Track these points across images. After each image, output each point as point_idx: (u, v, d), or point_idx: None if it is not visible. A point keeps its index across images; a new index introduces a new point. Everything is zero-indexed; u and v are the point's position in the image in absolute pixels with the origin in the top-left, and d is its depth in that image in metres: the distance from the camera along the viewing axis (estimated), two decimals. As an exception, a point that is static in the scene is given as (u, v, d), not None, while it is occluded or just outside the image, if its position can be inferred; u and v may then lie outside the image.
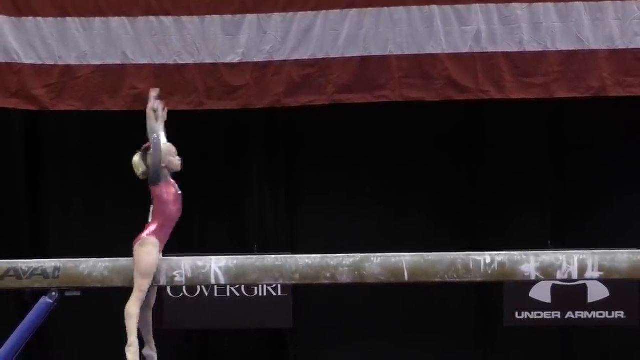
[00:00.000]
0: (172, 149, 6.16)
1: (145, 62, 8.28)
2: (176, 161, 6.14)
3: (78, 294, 6.22)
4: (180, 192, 6.18)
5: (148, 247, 6.00)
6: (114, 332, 9.32)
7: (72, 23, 8.29)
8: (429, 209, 9.32)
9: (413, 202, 9.35)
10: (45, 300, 6.10)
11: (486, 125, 9.33)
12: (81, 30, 8.29)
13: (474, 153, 9.34)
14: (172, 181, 6.15)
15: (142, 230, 6.11)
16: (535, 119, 9.21)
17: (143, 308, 6.09)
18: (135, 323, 5.93)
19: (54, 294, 6.10)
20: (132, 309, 5.93)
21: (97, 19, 8.29)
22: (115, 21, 8.27)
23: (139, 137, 9.44)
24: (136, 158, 6.11)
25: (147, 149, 6.11)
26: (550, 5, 8.06)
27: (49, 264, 6.08)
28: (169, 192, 6.06)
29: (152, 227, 6.06)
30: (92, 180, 9.55)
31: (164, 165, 6.08)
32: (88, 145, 9.60)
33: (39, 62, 8.27)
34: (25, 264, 6.09)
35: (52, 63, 8.27)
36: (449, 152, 9.35)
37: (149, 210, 6.15)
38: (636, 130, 9.20)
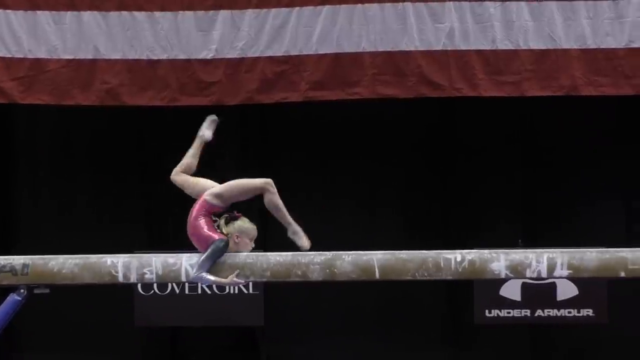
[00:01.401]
0: (253, 233, 6.08)
1: (118, 57, 8.24)
2: (249, 246, 6.05)
3: (47, 290, 6.17)
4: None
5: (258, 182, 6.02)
6: (84, 330, 9.35)
7: (43, 16, 8.24)
8: (401, 209, 9.35)
9: (386, 202, 9.38)
10: (13, 297, 6.05)
11: (459, 127, 9.36)
12: (52, 24, 8.24)
13: (447, 154, 9.38)
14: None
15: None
16: (507, 120, 9.26)
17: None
18: (285, 211, 5.94)
19: (22, 291, 6.05)
20: (277, 200, 5.96)
21: (69, 12, 8.24)
22: (87, 15, 8.23)
23: (111, 132, 9.47)
24: (222, 221, 6.03)
25: (236, 217, 6.05)
26: (523, 4, 8.09)
27: (17, 260, 6.03)
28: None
29: (202, 218, 5.96)
30: (63, 176, 9.51)
31: (236, 240, 6.01)
32: (59, 141, 9.56)
33: (8, 55, 8.22)
34: (-6, 260, 6.05)
35: (21, 56, 8.22)
36: (422, 153, 9.38)
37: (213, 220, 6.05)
38: (606, 132, 9.27)
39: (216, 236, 5.94)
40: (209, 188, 6.10)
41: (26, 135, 9.60)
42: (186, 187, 6.21)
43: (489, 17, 8.10)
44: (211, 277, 5.91)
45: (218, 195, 6.03)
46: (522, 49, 8.08)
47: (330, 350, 9.26)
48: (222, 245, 5.93)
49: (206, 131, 6.39)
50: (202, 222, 5.98)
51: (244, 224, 6.06)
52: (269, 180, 6.10)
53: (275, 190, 6.08)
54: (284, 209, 6.08)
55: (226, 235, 6.00)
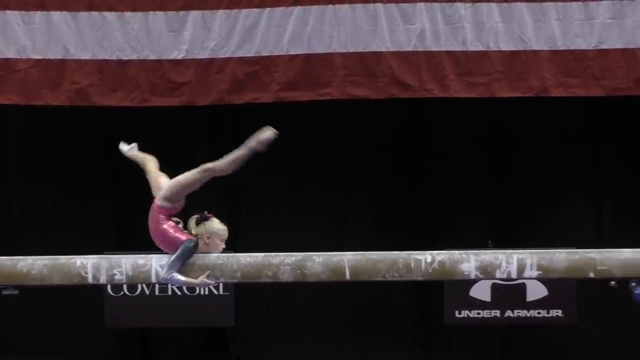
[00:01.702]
0: (224, 234, 6.02)
1: (88, 58, 8.21)
2: (220, 247, 5.99)
3: (16, 292, 6.13)
4: None
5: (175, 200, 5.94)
6: (53, 332, 9.30)
7: (12, 16, 8.19)
8: (372, 210, 9.36)
9: (357, 203, 9.39)
10: (-18, 298, 6.01)
11: (430, 129, 9.39)
12: (21, 23, 8.19)
13: (418, 156, 9.40)
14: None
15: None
16: (478, 122, 9.29)
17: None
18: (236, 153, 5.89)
19: (-9, 292, 6.02)
20: (223, 163, 5.92)
21: (38, 12, 8.20)
22: (56, 15, 8.19)
23: (81, 133, 9.42)
24: (192, 221, 5.99)
25: (206, 218, 6.00)
26: (493, 5, 8.12)
27: (-15, 262, 5.99)
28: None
29: (164, 222, 5.91)
30: (32, 177, 9.45)
31: (207, 241, 5.96)
32: (28, 141, 9.49)
33: (-24, 55, 8.17)
34: (-39, 262, 5.99)
35: (-10, 56, 8.18)
36: (393, 154, 9.40)
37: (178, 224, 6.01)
38: (576, 134, 9.32)
39: (184, 237, 5.92)
40: (162, 189, 6.04)
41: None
42: (151, 186, 6.18)
43: (460, 18, 8.13)
44: (181, 278, 5.88)
45: (166, 198, 5.97)
46: (492, 50, 8.12)
47: (301, 350, 9.26)
48: (192, 245, 5.90)
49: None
50: (166, 226, 5.94)
51: (214, 224, 6.03)
52: (203, 166, 6.01)
53: (214, 164, 5.96)
54: (234, 154, 5.96)
55: (196, 236, 5.97)
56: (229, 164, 5.96)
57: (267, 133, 6.03)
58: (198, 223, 6.00)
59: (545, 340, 9.22)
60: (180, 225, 5.99)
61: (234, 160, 5.95)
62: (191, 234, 5.96)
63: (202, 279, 5.92)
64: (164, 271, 5.86)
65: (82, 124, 9.29)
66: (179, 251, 5.86)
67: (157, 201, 5.97)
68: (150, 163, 6.18)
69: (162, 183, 6.08)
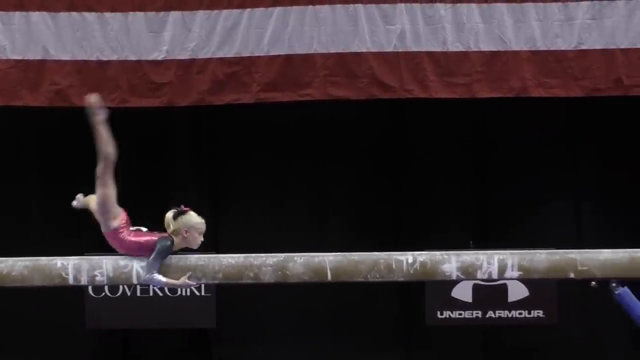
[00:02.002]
0: (202, 227, 5.95)
1: (67, 58, 8.18)
2: (198, 240, 5.93)
3: (-6, 294, 6.11)
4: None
5: (118, 214, 5.85)
6: (33, 333, 9.26)
7: (-9, 17, 8.15)
8: (353, 211, 9.37)
9: (337, 204, 9.40)
10: (-38, 300, 5.98)
11: (410, 129, 9.41)
12: (0, 24, 8.14)
13: (398, 156, 9.41)
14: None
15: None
16: (458, 123, 9.31)
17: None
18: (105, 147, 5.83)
19: (-29, 294, 5.98)
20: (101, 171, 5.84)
21: (17, 13, 8.16)
22: (36, 16, 8.16)
23: (60, 135, 9.38)
24: (169, 216, 5.91)
25: (183, 212, 5.94)
26: (473, 6, 8.15)
27: (-35, 263, 5.95)
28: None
29: (123, 232, 5.85)
30: (12, 178, 9.40)
31: (185, 235, 5.92)
32: (8, 142, 9.45)
33: (-45, 55, 8.13)
34: (-59, 263, 5.96)
35: (-32, 56, 8.13)
36: (373, 155, 9.41)
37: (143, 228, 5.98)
38: (556, 134, 9.36)
39: (156, 237, 5.90)
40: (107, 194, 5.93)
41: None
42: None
43: (440, 19, 8.15)
44: (163, 279, 5.86)
45: (106, 221, 5.88)
46: (472, 50, 8.14)
47: (282, 351, 9.26)
48: (168, 243, 5.87)
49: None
50: (132, 237, 5.89)
51: (192, 218, 5.96)
52: (97, 174, 5.91)
53: (100, 164, 5.90)
54: (99, 136, 5.95)
55: (174, 231, 5.93)
56: (106, 147, 5.90)
57: (92, 98, 5.99)
58: (175, 217, 5.97)
59: (526, 340, 9.26)
60: (145, 229, 5.94)
61: (103, 140, 5.90)
62: (169, 229, 5.92)
63: (183, 279, 5.90)
64: (144, 272, 5.84)
65: (62, 125, 9.25)
66: (155, 250, 5.83)
67: (104, 230, 5.91)
68: (92, 203, 6.11)
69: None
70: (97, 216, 5.95)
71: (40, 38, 8.15)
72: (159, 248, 5.83)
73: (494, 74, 8.14)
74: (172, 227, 5.94)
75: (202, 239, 5.98)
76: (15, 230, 9.25)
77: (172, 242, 5.88)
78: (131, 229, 5.94)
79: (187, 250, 8.29)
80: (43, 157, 9.47)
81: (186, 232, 5.93)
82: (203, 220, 6.00)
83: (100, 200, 5.90)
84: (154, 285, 5.85)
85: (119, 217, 5.91)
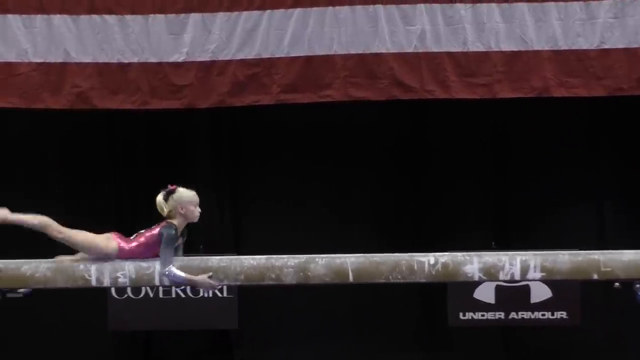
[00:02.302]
0: (195, 198, 5.97)
1: (88, 61, 8.20)
2: (196, 212, 5.95)
3: (20, 294, 6.13)
4: (182, 242, 6.00)
5: (107, 244, 5.89)
6: (56, 334, 9.29)
7: (13, 20, 8.19)
8: (373, 213, 9.35)
9: (358, 206, 9.38)
10: (-14, 302, 6.02)
11: (430, 130, 9.38)
12: (22, 27, 8.19)
13: (419, 158, 9.39)
14: (182, 235, 5.98)
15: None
16: (479, 124, 9.28)
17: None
18: (29, 223, 5.86)
19: (-5, 295, 6.02)
20: (46, 223, 5.85)
21: (39, 16, 8.20)
22: (57, 19, 8.19)
23: (82, 136, 9.41)
24: (160, 198, 5.93)
25: (172, 191, 5.95)
26: (493, 5, 8.11)
27: (-11, 265, 5.99)
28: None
29: (128, 245, 5.92)
30: (34, 180, 9.45)
31: (182, 212, 5.93)
32: (30, 145, 9.49)
33: (-23, 59, 8.17)
34: (-35, 265, 6.00)
35: (-10, 60, 8.17)
36: (394, 156, 9.39)
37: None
38: (578, 134, 9.32)
39: (156, 230, 5.87)
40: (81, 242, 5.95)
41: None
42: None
43: (460, 19, 8.13)
44: (181, 274, 5.84)
45: (105, 254, 5.93)
46: (493, 50, 8.11)
47: (304, 353, 9.25)
48: (172, 231, 5.85)
49: None
50: (133, 243, 5.93)
51: (182, 193, 5.95)
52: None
53: (66, 239, 5.97)
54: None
55: (169, 212, 5.89)
56: (33, 223, 6.00)
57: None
58: (166, 198, 5.95)
59: (549, 342, 9.21)
60: (143, 230, 5.94)
61: (25, 223, 5.98)
62: (164, 212, 5.89)
63: (203, 277, 5.88)
64: (160, 267, 5.82)
65: (83, 127, 9.29)
66: (162, 242, 5.81)
67: (113, 259, 5.92)
68: (79, 254, 6.09)
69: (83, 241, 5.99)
70: (96, 257, 5.93)
71: (62, 41, 8.18)
72: (165, 237, 5.82)
73: (515, 74, 8.11)
74: (166, 209, 5.92)
75: (199, 210, 5.96)
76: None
77: (174, 227, 5.86)
78: (131, 238, 5.94)
79: (209, 252, 8.34)
80: (64, 158, 9.51)
81: (182, 209, 5.92)
82: (194, 192, 5.98)
83: (85, 249, 5.93)
84: (173, 280, 5.84)
85: (112, 241, 5.94)
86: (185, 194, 5.95)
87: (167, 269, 5.81)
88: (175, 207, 5.92)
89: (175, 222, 5.91)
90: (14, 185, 9.46)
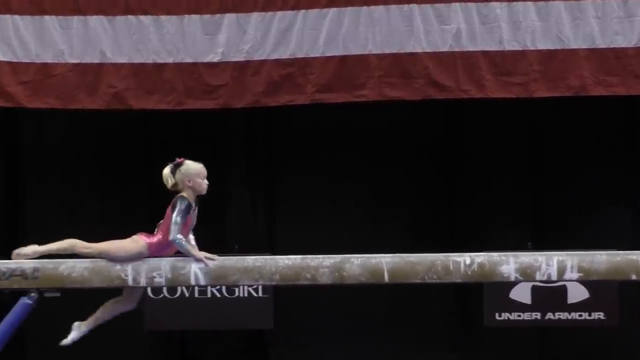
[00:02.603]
0: (202, 171, 6.01)
1: (124, 61, 8.24)
2: (204, 184, 5.99)
3: (57, 294, 6.18)
4: (196, 216, 6.06)
5: (135, 245, 5.94)
6: (93, 334, 9.34)
7: (50, 21, 8.25)
8: (408, 213, 9.32)
9: (393, 206, 9.35)
10: (24, 301, 6.06)
11: (465, 130, 9.34)
12: (59, 28, 8.24)
13: (454, 157, 9.35)
14: (194, 207, 6.03)
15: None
16: (514, 123, 9.23)
17: (117, 300, 6.11)
18: (59, 250, 5.92)
19: (33, 294, 6.06)
20: (72, 243, 5.92)
21: (75, 17, 8.25)
22: (93, 20, 8.23)
23: (117, 136, 9.47)
24: (166, 171, 6.00)
25: (179, 164, 6.01)
26: (529, 4, 8.07)
27: (28, 264, 6.04)
28: (186, 222, 5.97)
29: (153, 239, 6.00)
30: (71, 180, 9.51)
31: (189, 185, 5.97)
32: (66, 145, 9.56)
33: (15, 60, 8.22)
34: (4, 264, 6.05)
35: (28, 61, 8.22)
36: (429, 156, 9.36)
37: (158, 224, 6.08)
38: (615, 134, 9.24)
39: (169, 212, 5.91)
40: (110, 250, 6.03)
41: (33, 139, 9.59)
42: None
43: (496, 17, 8.09)
44: (187, 246, 5.88)
45: (135, 255, 6.01)
46: (529, 49, 8.06)
47: (339, 353, 9.24)
48: (184, 200, 5.88)
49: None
50: (158, 236, 6.01)
51: (189, 166, 5.98)
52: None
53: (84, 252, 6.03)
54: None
55: (176, 184, 5.92)
56: (59, 250, 6.03)
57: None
58: (173, 171, 5.97)
59: (586, 343, 9.14)
60: (160, 221, 6.01)
61: (54, 252, 6.01)
62: (169, 184, 5.94)
63: (202, 254, 5.91)
64: (172, 232, 5.85)
65: (118, 127, 9.34)
66: (175, 210, 5.86)
67: (146, 256, 5.97)
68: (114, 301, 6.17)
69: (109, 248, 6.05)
70: (129, 259, 5.99)
71: (98, 42, 8.23)
72: (178, 206, 5.87)
73: (551, 73, 8.05)
74: (171, 182, 5.96)
75: (206, 182, 5.98)
76: (74, 232, 9.32)
77: (186, 199, 5.90)
78: (154, 232, 6.05)
79: (245, 251, 8.36)
80: (99, 158, 9.57)
81: (189, 182, 5.95)
82: (201, 165, 6.01)
83: (116, 256, 6.00)
84: (179, 248, 5.91)
85: (139, 240, 6.02)
86: (193, 167, 5.98)
87: (177, 236, 5.83)
88: (183, 180, 5.96)
89: (184, 194, 5.94)
90: (49, 186, 9.53)
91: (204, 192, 6.01)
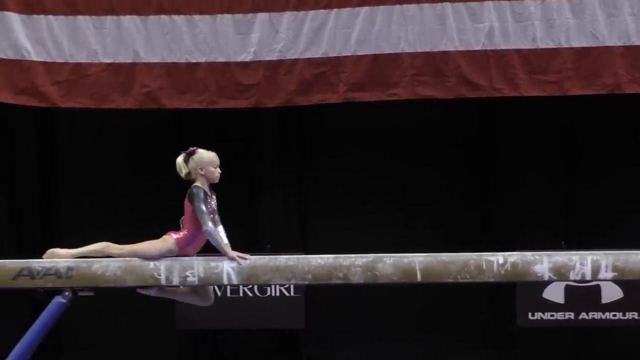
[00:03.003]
0: (215, 159, 6.05)
1: (157, 61, 8.27)
2: (216, 173, 6.03)
3: (91, 293, 6.21)
4: (215, 205, 6.08)
5: (164, 243, 5.98)
6: (126, 332, 9.40)
7: (84, 21, 8.29)
8: (441, 212, 9.29)
9: (425, 205, 9.32)
10: (58, 300, 6.09)
11: (498, 129, 9.29)
12: (92, 28, 8.29)
13: (487, 156, 9.30)
14: (211, 195, 6.07)
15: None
16: (547, 122, 9.17)
17: (195, 291, 6.15)
18: (92, 252, 5.98)
19: (67, 293, 6.08)
20: (105, 245, 5.98)
21: (109, 17, 8.29)
22: (126, 20, 8.27)
23: (150, 135, 9.51)
24: (180, 160, 6.05)
25: (192, 152, 6.05)
26: (564, 1, 8.01)
27: (62, 263, 6.07)
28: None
29: (180, 234, 6.05)
30: (105, 179, 9.56)
31: (202, 173, 6.02)
32: (100, 145, 9.61)
33: (49, 60, 8.28)
34: (38, 263, 6.08)
35: (62, 61, 8.27)
36: (461, 155, 9.32)
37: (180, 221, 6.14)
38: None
39: (186, 203, 5.94)
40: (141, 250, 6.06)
41: (68, 139, 9.65)
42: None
43: (529, 15, 8.04)
44: (218, 239, 5.89)
45: (167, 252, 6.04)
46: (563, 47, 8.01)
47: (371, 352, 9.23)
48: (198, 189, 5.91)
49: None
50: (184, 231, 6.04)
51: (202, 155, 6.01)
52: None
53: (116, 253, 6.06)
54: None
55: (189, 173, 5.96)
56: (96, 253, 6.05)
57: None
58: (186, 160, 5.99)
59: (620, 343, 9.07)
60: (181, 220, 6.03)
61: (92, 254, 6.05)
62: (183, 173, 5.98)
63: (235, 254, 5.92)
64: (203, 225, 5.87)
65: (152, 126, 9.38)
66: (194, 202, 5.88)
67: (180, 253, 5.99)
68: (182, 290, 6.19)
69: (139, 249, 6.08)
70: (161, 257, 6.04)
71: (131, 41, 8.26)
72: (195, 197, 5.89)
73: (585, 71, 7.99)
74: (184, 171, 5.99)
75: (219, 171, 6.01)
76: (107, 231, 9.37)
77: (197, 187, 5.93)
78: (180, 228, 6.09)
79: (277, 251, 8.37)
80: (133, 157, 9.61)
81: (202, 170, 5.97)
82: (214, 153, 6.04)
83: (148, 255, 6.03)
84: (212, 241, 5.92)
85: (168, 238, 6.04)
86: (206, 155, 6.02)
87: (209, 225, 5.87)
88: (195, 169, 5.99)
89: (198, 183, 5.98)
90: (83, 185, 9.59)
91: (217, 180, 6.04)
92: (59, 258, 6.05)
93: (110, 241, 6.10)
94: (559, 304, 8.66)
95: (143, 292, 6.18)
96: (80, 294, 6.14)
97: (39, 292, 6.37)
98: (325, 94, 8.23)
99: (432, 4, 8.08)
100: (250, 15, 8.20)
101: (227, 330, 9.25)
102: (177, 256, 6.07)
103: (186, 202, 6.03)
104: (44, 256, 6.08)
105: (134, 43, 8.26)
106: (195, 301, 6.27)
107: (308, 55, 8.17)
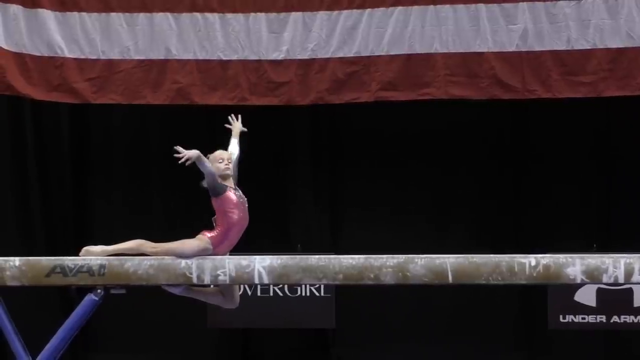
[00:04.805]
0: (218, 155, 6.24)
1: (189, 58, 8.29)
2: (222, 166, 6.18)
3: (123, 291, 6.24)
4: (243, 198, 6.18)
5: (199, 242, 6.04)
6: (157, 331, 9.43)
7: (116, 18, 8.32)
8: (473, 214, 9.24)
9: (458, 210, 9.28)
10: (90, 297, 6.12)
11: (531, 133, 9.23)
12: (125, 25, 8.32)
13: (520, 158, 9.25)
14: (234, 188, 6.16)
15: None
16: (582, 124, 9.09)
17: (220, 291, 6.27)
18: (126, 249, 6.07)
19: (99, 291, 6.12)
20: (140, 243, 6.07)
21: (141, 14, 8.32)
22: (159, 17, 8.30)
23: (183, 132, 9.52)
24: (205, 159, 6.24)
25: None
26: (599, 1, 7.95)
27: (94, 261, 6.10)
28: (229, 201, 6.08)
29: (214, 232, 6.11)
30: (137, 177, 9.58)
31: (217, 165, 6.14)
32: (133, 142, 9.64)
33: (82, 57, 8.32)
34: (71, 261, 6.12)
35: (95, 57, 8.31)
36: (494, 157, 9.27)
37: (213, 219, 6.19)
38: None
39: (214, 201, 6.13)
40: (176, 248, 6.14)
41: (101, 137, 9.68)
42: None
43: (564, 16, 7.99)
44: (212, 171, 6.08)
45: (204, 250, 6.13)
46: (598, 48, 7.95)
47: (401, 353, 9.20)
48: (205, 165, 6.09)
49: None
50: (217, 229, 6.15)
51: (214, 153, 6.27)
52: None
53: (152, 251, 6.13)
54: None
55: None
56: (130, 251, 6.14)
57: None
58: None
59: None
60: (214, 219, 6.15)
61: (125, 252, 6.14)
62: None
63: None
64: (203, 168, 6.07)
65: (184, 124, 9.40)
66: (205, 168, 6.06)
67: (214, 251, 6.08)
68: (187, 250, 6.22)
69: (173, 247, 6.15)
70: (196, 255, 6.12)
71: (163, 38, 8.29)
72: (205, 172, 6.11)
73: (621, 72, 7.92)
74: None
75: (224, 164, 6.20)
76: (140, 229, 9.38)
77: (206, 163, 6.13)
78: (211, 230, 6.20)
79: (308, 251, 8.37)
80: (165, 155, 9.61)
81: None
82: (221, 150, 6.27)
83: (183, 254, 6.10)
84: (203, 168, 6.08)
85: (202, 237, 6.14)
86: (215, 153, 6.27)
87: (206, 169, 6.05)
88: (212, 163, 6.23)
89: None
90: (116, 183, 9.61)
91: (223, 172, 6.19)
92: (94, 253, 6.09)
93: (144, 239, 6.14)
94: (591, 306, 8.60)
95: (170, 289, 6.22)
96: (113, 291, 6.17)
97: (71, 289, 6.40)
98: (357, 93, 8.22)
99: (466, 4, 8.05)
100: (283, 14, 8.21)
101: (257, 329, 9.26)
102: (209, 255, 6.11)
103: (212, 199, 6.08)
104: (80, 254, 6.11)
105: (166, 40, 8.29)
106: (221, 302, 6.32)
107: (340, 54, 8.17)
